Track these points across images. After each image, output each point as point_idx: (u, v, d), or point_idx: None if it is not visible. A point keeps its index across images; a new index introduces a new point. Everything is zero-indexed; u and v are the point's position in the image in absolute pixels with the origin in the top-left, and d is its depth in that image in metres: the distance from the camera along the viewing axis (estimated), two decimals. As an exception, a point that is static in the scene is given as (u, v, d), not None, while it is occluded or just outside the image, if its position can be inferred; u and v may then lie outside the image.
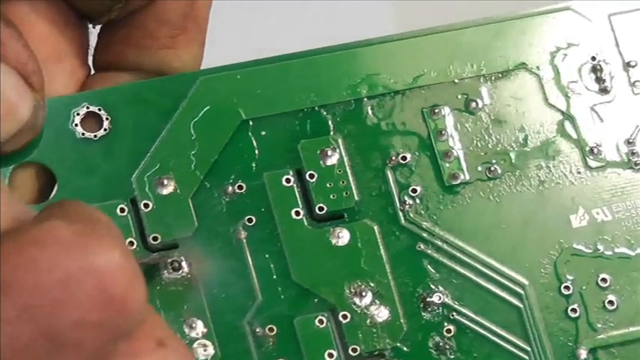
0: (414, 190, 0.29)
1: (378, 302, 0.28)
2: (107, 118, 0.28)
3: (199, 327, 0.28)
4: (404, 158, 0.29)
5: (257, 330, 0.28)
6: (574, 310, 0.29)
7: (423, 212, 0.29)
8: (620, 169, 0.30)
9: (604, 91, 0.30)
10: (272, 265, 0.28)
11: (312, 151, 0.29)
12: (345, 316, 0.28)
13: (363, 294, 0.28)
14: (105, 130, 0.28)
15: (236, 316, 0.28)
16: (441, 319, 0.29)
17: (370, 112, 0.29)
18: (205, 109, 0.29)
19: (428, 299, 0.29)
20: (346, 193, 0.29)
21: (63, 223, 0.21)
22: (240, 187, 0.29)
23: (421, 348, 0.28)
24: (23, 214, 0.22)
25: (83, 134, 0.28)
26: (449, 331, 0.29)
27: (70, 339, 0.20)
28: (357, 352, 0.28)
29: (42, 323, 0.20)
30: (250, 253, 0.28)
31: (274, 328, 0.28)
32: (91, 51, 0.29)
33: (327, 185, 0.29)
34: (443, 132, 0.29)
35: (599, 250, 0.29)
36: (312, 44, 0.29)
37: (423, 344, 0.28)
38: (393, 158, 0.29)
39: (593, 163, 0.30)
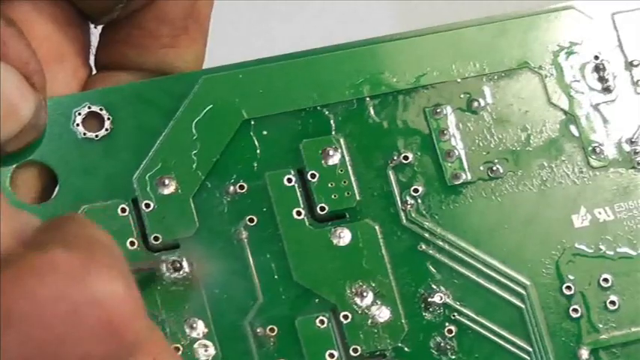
0: (416, 190, 0.29)
1: (379, 302, 0.28)
2: (108, 118, 0.28)
3: (200, 327, 0.28)
4: (406, 158, 0.29)
5: (258, 330, 0.28)
6: (576, 310, 0.29)
7: (424, 212, 0.29)
8: (622, 169, 0.30)
9: (607, 90, 0.30)
10: (273, 265, 0.28)
11: (314, 151, 0.29)
12: (346, 317, 0.28)
13: (365, 294, 0.28)
14: (106, 129, 0.28)
15: (237, 317, 0.28)
16: (442, 319, 0.29)
17: (372, 111, 0.29)
18: (207, 109, 0.29)
19: (429, 299, 0.29)
20: (348, 193, 0.29)
21: (62, 251, 0.20)
22: (241, 187, 0.29)
23: (422, 348, 0.28)
24: (25, 225, 0.22)
25: (85, 134, 0.28)
26: (450, 331, 0.29)
27: None
28: (358, 353, 0.28)
29: (46, 357, 0.20)
30: (251, 253, 0.28)
31: (275, 328, 0.28)
32: (93, 51, 0.29)
33: (329, 185, 0.29)
34: (445, 131, 0.29)
35: (601, 250, 0.29)
36: (313, 44, 0.29)
37: (424, 344, 0.28)
38: (395, 158, 0.29)
39: (595, 163, 0.30)
